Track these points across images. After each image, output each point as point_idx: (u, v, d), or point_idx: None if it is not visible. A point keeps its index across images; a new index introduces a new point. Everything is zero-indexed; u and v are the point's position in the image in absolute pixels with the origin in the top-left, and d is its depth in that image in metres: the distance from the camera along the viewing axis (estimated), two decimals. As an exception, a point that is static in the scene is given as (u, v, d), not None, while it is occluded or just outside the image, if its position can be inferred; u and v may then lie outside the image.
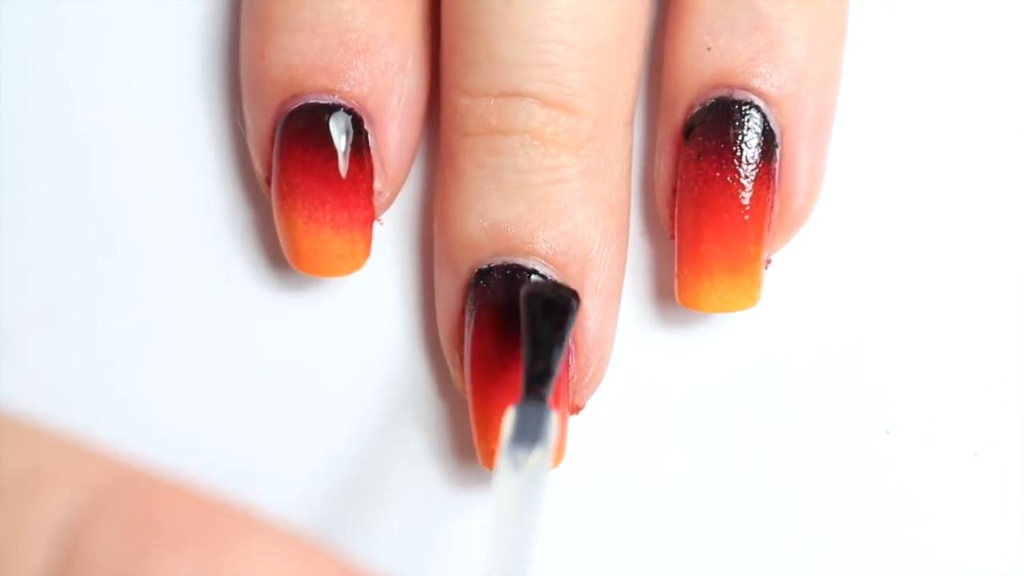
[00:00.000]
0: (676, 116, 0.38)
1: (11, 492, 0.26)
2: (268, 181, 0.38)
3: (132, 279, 0.39)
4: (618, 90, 0.37)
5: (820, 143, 0.38)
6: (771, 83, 0.37)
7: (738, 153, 0.37)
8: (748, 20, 0.37)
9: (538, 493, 0.33)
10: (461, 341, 0.38)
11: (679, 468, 0.39)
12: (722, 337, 0.39)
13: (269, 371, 0.39)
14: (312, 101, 0.37)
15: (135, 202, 0.39)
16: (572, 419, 0.38)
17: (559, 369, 0.35)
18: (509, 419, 0.34)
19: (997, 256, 0.39)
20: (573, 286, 0.37)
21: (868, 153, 0.39)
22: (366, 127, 0.37)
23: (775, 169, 0.37)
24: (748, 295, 0.38)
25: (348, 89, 0.37)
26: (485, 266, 0.37)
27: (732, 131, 0.37)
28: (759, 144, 0.37)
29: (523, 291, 0.36)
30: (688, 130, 0.38)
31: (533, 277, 0.37)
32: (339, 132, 0.37)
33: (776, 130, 0.37)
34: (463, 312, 0.37)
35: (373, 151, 0.38)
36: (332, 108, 0.37)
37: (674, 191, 0.38)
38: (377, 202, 0.38)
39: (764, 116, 0.37)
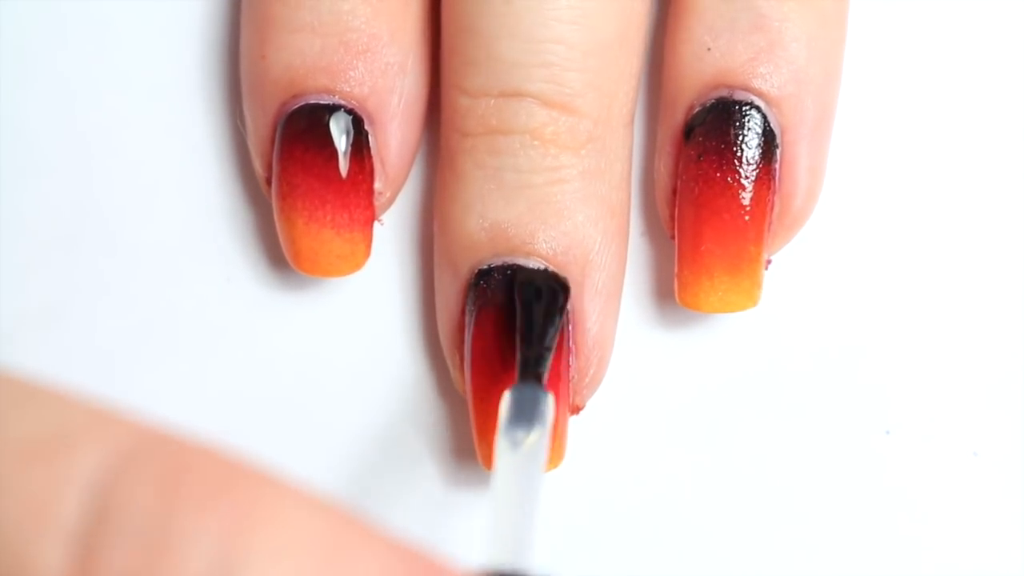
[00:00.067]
0: (676, 116, 0.38)
1: (43, 450, 0.26)
2: (268, 181, 0.38)
3: (132, 279, 0.39)
4: (618, 90, 0.37)
5: (820, 143, 0.38)
6: (771, 83, 0.37)
7: (738, 153, 0.37)
8: (748, 20, 0.37)
9: (537, 473, 0.33)
10: (461, 341, 0.38)
11: (679, 468, 0.39)
12: (722, 337, 0.39)
13: (269, 371, 0.39)
14: (312, 101, 0.37)
15: (135, 202, 0.39)
16: (572, 419, 0.38)
17: (552, 350, 0.35)
18: (506, 401, 0.34)
19: (997, 256, 0.39)
20: (573, 286, 0.37)
21: (868, 153, 0.39)
22: (366, 127, 0.37)
23: (775, 169, 0.37)
24: (748, 295, 0.38)
25: (348, 89, 0.37)
26: (485, 266, 0.37)
27: (732, 131, 0.37)
28: (759, 144, 0.37)
29: (517, 279, 0.37)
30: (688, 130, 0.38)
31: (532, 264, 0.37)
32: (339, 132, 0.37)
33: (776, 130, 0.37)
34: (463, 312, 0.37)
35: (373, 151, 0.38)
36: (332, 108, 0.37)
37: (674, 191, 0.38)
38: (377, 202, 0.38)
39: (764, 116, 0.37)
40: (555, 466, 0.37)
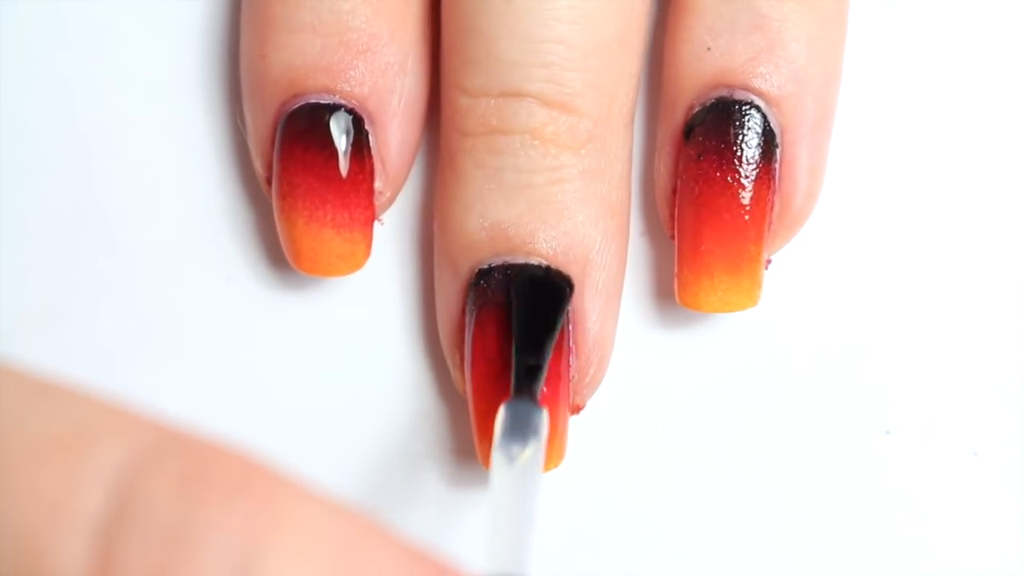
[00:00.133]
0: (676, 116, 0.38)
1: (63, 447, 0.26)
2: (269, 181, 0.38)
3: (132, 279, 0.39)
4: (618, 90, 0.38)
5: (820, 143, 0.38)
6: (771, 83, 0.37)
7: (738, 153, 0.37)
8: (748, 20, 0.37)
9: (533, 486, 0.33)
10: (461, 341, 0.38)
11: (679, 468, 0.39)
12: (722, 337, 0.39)
13: (269, 371, 0.39)
14: (313, 101, 0.37)
15: (135, 202, 0.39)
16: (572, 419, 0.38)
17: (549, 357, 0.36)
18: (501, 416, 0.34)
19: (997, 256, 0.39)
20: (574, 286, 0.37)
21: (868, 153, 0.39)
22: (367, 127, 0.38)
23: (775, 169, 0.37)
24: (748, 295, 0.38)
25: (349, 89, 0.37)
26: (485, 266, 0.37)
27: (732, 131, 0.37)
28: (759, 144, 0.37)
29: (513, 278, 0.37)
30: (688, 130, 0.38)
31: (533, 261, 0.37)
32: (340, 132, 0.37)
33: (776, 130, 0.37)
34: (463, 312, 0.37)
35: (374, 151, 0.38)
36: (333, 108, 0.37)
37: (674, 191, 0.38)
38: (378, 202, 0.38)
39: (764, 116, 0.37)
40: (555, 466, 0.37)
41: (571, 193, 0.37)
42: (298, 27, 0.37)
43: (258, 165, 0.38)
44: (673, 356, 0.39)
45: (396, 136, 0.38)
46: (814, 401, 0.39)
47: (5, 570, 0.26)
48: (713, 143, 0.37)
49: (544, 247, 0.37)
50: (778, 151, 0.37)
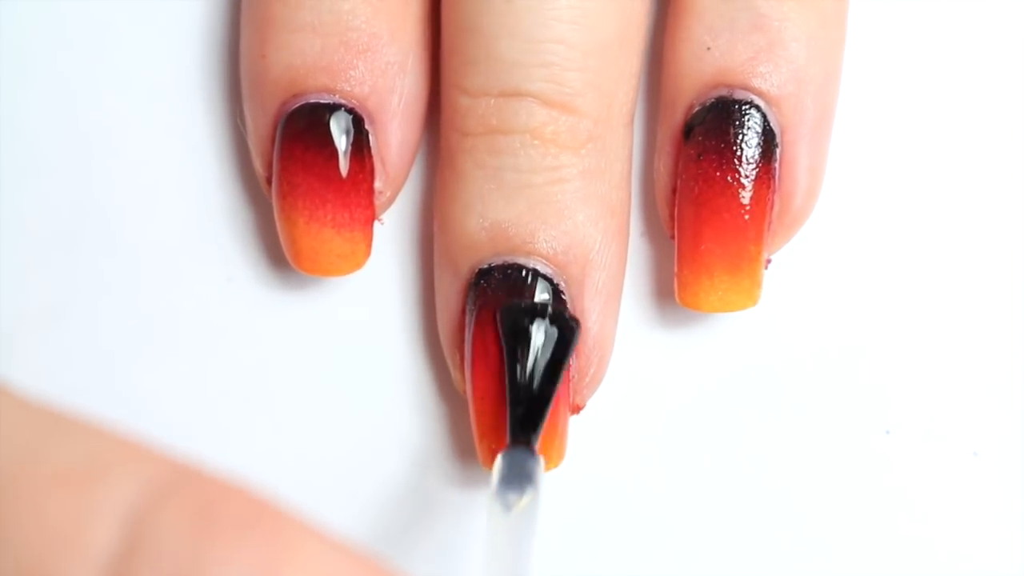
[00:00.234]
0: (676, 116, 0.38)
1: (76, 480, 0.27)
2: (269, 181, 0.38)
3: (132, 279, 0.39)
4: (618, 90, 0.38)
5: (820, 143, 0.38)
6: (771, 83, 0.37)
7: (738, 153, 0.37)
8: (748, 20, 0.37)
9: (529, 534, 0.34)
10: (461, 341, 0.38)
11: (679, 468, 0.39)
12: (722, 337, 0.39)
13: (269, 371, 0.39)
14: (313, 101, 0.37)
15: (135, 202, 0.39)
16: (572, 419, 0.38)
17: (549, 410, 0.36)
18: (498, 464, 0.35)
19: (997, 256, 0.39)
20: (574, 285, 0.37)
21: (868, 153, 0.39)
22: (367, 127, 0.38)
23: (775, 169, 0.37)
24: (748, 295, 0.38)
25: (349, 89, 0.37)
26: (486, 266, 0.37)
27: (732, 131, 0.37)
28: (759, 144, 0.37)
29: (503, 310, 0.36)
30: (688, 130, 0.38)
31: (533, 285, 0.37)
32: (340, 132, 0.37)
33: (776, 130, 0.37)
34: (463, 312, 0.37)
35: (374, 151, 0.38)
36: (333, 108, 0.37)
37: (674, 191, 0.38)
38: (378, 202, 0.38)
39: (764, 116, 0.37)
40: (555, 466, 0.37)
41: (571, 193, 0.37)
42: (298, 27, 0.37)
43: (258, 165, 0.38)
44: (673, 356, 0.39)
45: (396, 136, 0.38)
46: (814, 401, 0.39)
47: None
48: (713, 143, 0.37)
49: (544, 247, 0.37)
50: (778, 151, 0.37)
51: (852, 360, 0.39)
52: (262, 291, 0.39)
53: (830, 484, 0.39)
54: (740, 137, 0.37)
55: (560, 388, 0.37)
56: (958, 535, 0.39)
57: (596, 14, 0.37)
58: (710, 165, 0.37)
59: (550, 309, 0.36)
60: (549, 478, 0.38)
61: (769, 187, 0.37)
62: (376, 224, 0.38)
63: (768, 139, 0.37)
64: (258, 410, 0.39)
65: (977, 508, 0.39)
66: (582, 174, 0.37)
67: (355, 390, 0.39)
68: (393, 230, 0.39)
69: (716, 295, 0.37)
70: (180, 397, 0.39)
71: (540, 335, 0.36)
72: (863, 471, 0.39)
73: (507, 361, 0.36)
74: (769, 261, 0.38)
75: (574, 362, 0.37)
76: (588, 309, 0.37)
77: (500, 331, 0.36)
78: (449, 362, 0.38)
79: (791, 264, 0.39)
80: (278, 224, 0.38)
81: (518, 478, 0.34)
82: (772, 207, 0.37)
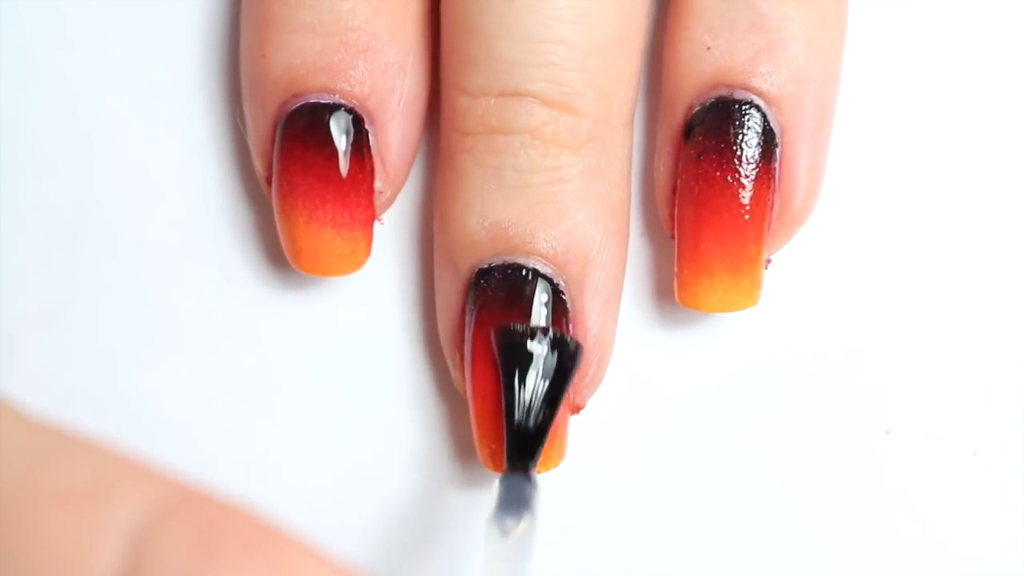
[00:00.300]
0: (676, 116, 0.38)
1: (80, 500, 0.27)
2: (269, 181, 0.38)
3: (133, 279, 0.39)
4: (618, 90, 0.38)
5: (820, 143, 0.38)
6: (771, 83, 0.37)
7: (738, 153, 0.37)
8: (748, 20, 0.37)
9: (526, 559, 0.34)
10: (461, 341, 0.38)
11: (679, 468, 0.39)
12: (722, 337, 0.39)
13: (270, 371, 0.39)
14: (313, 101, 0.37)
15: (136, 202, 0.39)
16: (572, 419, 0.38)
17: (547, 438, 0.36)
18: (496, 489, 0.35)
19: (997, 256, 0.39)
20: (574, 285, 0.37)
21: (868, 153, 0.39)
22: (367, 127, 0.38)
23: (775, 169, 0.37)
24: (748, 295, 0.38)
25: (349, 89, 0.37)
26: (486, 266, 0.37)
27: (732, 131, 0.37)
28: (759, 144, 0.37)
29: (500, 332, 0.37)
30: (688, 130, 0.38)
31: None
32: (340, 132, 0.37)
33: (776, 130, 0.37)
34: (463, 312, 0.37)
35: (374, 150, 0.38)
36: (333, 107, 0.37)
37: (674, 191, 0.38)
38: (378, 201, 0.38)
39: (764, 116, 0.37)
40: (555, 466, 0.37)
41: (571, 193, 0.37)
42: (298, 27, 0.37)
43: (258, 165, 0.38)
44: (673, 356, 0.39)
45: (396, 136, 0.38)
46: (814, 401, 0.39)
47: None
48: (713, 143, 0.37)
49: (544, 246, 0.37)
50: (778, 151, 0.37)
51: (852, 360, 0.39)
52: (262, 291, 0.39)
53: (830, 484, 0.39)
54: (740, 137, 0.37)
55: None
56: (958, 535, 0.39)
57: (596, 14, 0.37)
58: (710, 165, 0.37)
59: (550, 334, 0.36)
60: (549, 478, 0.38)
61: (769, 187, 0.37)
62: (376, 224, 0.38)
63: (768, 139, 0.37)
64: (258, 410, 0.39)
65: (977, 508, 0.39)
66: (582, 174, 0.37)
67: (355, 390, 0.39)
68: (393, 230, 0.39)
69: (716, 295, 0.37)
70: (180, 397, 0.39)
71: (540, 362, 0.36)
72: (863, 471, 0.39)
73: (504, 387, 0.36)
74: (769, 261, 0.38)
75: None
76: (588, 309, 0.37)
77: (497, 354, 0.36)
78: (449, 362, 0.38)
79: (791, 264, 0.39)
80: (278, 224, 0.38)
81: (516, 504, 0.35)
82: (772, 207, 0.37)
